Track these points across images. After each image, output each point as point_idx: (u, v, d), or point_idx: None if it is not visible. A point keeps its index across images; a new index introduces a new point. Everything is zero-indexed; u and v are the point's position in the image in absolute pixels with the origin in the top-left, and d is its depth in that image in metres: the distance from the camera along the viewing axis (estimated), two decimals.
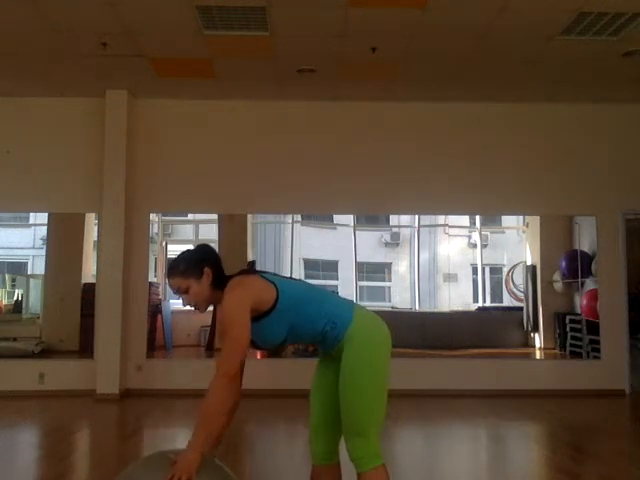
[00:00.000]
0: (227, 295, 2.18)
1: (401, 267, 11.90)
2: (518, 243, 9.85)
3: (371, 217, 10.67)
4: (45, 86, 6.64)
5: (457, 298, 11.13)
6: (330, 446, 2.38)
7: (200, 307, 2.29)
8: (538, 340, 8.62)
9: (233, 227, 8.68)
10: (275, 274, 2.37)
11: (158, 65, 6.04)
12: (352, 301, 2.46)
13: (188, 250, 2.34)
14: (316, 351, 2.49)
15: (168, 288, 10.71)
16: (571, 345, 7.92)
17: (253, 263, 8.88)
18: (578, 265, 7.81)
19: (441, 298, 11.37)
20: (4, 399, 6.33)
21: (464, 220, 10.57)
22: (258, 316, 2.20)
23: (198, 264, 2.26)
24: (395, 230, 11.58)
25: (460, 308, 10.74)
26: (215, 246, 8.21)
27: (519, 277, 9.56)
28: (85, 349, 6.96)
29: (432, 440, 5.17)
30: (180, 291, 2.26)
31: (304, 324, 2.28)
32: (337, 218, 10.69)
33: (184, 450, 2.02)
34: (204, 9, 4.82)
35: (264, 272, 2.36)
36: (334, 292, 7.34)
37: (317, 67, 6.06)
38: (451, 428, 5.46)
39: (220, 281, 2.28)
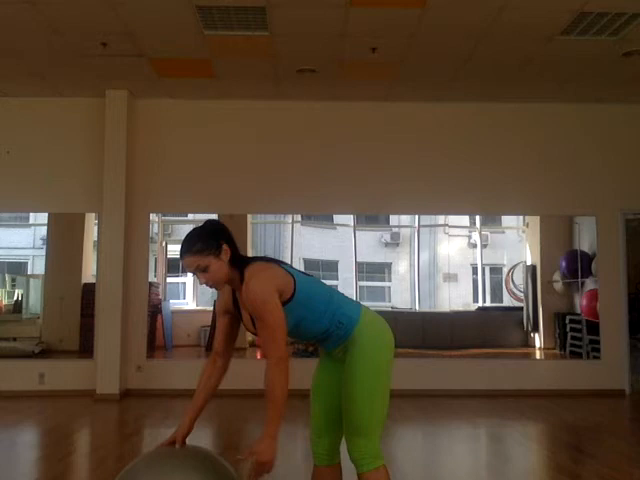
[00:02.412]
0: (253, 281, 2.10)
1: (401, 267, 11.90)
2: (518, 243, 9.85)
3: (371, 217, 10.66)
4: (45, 86, 6.63)
5: (457, 298, 11.13)
6: (331, 447, 2.39)
7: (218, 286, 2.20)
8: (538, 340, 8.61)
9: (233, 227, 8.67)
10: (291, 266, 2.33)
11: (158, 65, 6.04)
12: (359, 302, 2.44)
13: (198, 227, 2.22)
14: (316, 351, 2.49)
15: (168, 288, 10.64)
16: (571, 345, 7.92)
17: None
18: (578, 265, 7.80)
19: (441, 298, 11.37)
20: (4, 399, 6.33)
21: (464, 220, 10.56)
22: None
23: (215, 240, 2.16)
24: (395, 230, 11.58)
25: (460, 308, 10.75)
26: None
27: (519, 277, 9.55)
28: (85, 349, 6.95)
29: (432, 440, 5.17)
30: (198, 269, 2.14)
31: (311, 320, 2.25)
32: (337, 218, 10.70)
33: (261, 438, 2.10)
34: (204, 9, 4.82)
35: (282, 262, 2.31)
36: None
37: (317, 67, 6.06)
38: (451, 428, 5.46)
39: (236, 259, 2.20)
